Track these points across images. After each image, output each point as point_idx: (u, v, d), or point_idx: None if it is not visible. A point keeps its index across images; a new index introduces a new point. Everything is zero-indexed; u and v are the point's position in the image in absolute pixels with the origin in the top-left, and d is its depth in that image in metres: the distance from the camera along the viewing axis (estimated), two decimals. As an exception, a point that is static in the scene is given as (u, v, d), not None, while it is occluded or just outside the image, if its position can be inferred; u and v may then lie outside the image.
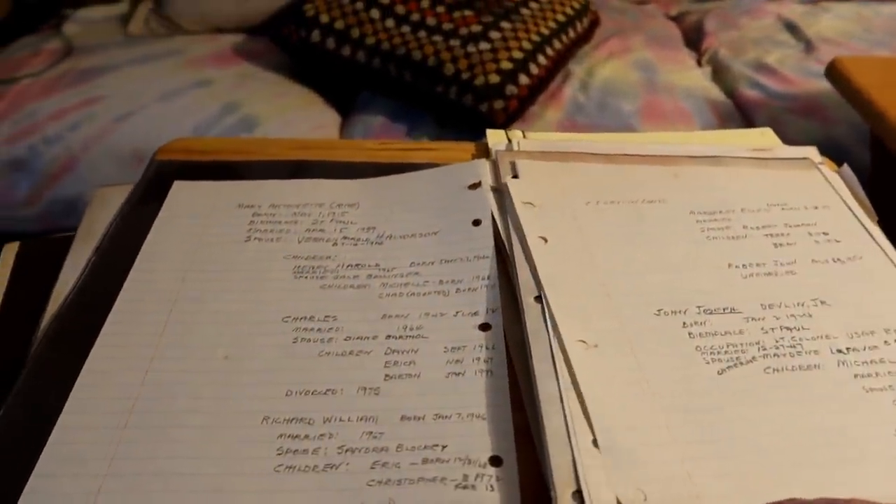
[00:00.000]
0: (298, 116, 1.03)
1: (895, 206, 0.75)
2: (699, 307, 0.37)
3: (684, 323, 0.37)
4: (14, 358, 0.38)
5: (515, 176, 0.47)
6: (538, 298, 0.37)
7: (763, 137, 0.55)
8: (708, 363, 0.34)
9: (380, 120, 1.03)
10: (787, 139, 1.01)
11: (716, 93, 1.11)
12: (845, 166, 0.51)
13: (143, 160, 1.03)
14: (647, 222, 0.44)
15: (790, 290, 0.39)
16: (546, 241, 0.41)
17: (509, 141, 0.52)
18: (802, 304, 0.38)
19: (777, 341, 0.36)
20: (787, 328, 0.37)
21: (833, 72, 0.70)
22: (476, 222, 0.43)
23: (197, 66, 1.11)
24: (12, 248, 0.45)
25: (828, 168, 0.51)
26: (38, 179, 1.02)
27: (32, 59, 1.14)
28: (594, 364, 0.34)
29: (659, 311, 0.37)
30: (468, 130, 0.98)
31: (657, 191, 0.47)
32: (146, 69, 1.10)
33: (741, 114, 1.08)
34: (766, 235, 0.43)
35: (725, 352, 0.35)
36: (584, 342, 0.35)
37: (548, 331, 0.35)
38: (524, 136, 0.53)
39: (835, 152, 0.97)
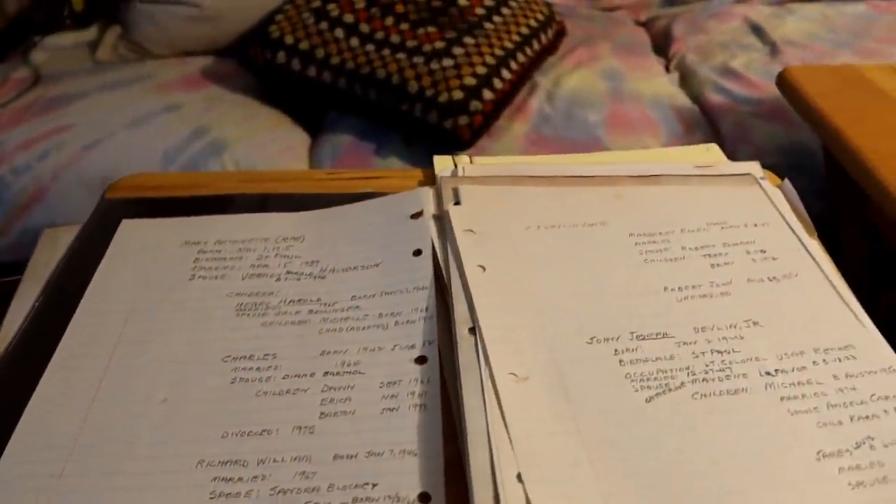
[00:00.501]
0: (268, 138, 1.04)
1: (848, 211, 0.75)
2: (632, 333, 0.38)
3: (616, 350, 0.37)
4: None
5: (458, 202, 0.47)
6: (472, 330, 0.38)
7: (708, 153, 0.56)
8: (637, 391, 0.35)
9: (348, 139, 1.04)
10: (753, 144, 1.02)
11: (682, 99, 1.12)
12: (786, 181, 0.51)
13: (112, 187, 1.03)
14: (586, 246, 0.45)
15: (724, 311, 0.40)
16: (484, 269, 0.42)
17: (455, 167, 0.52)
18: (735, 326, 0.39)
19: (707, 365, 0.36)
20: (718, 351, 0.37)
21: (782, 82, 0.70)
22: (417, 252, 0.44)
23: (166, 91, 1.11)
24: (-41, 294, 0.45)
25: (769, 183, 0.51)
26: (7, 210, 1.02)
27: (0, 88, 1.14)
28: (523, 397, 0.34)
29: (592, 339, 0.38)
30: (436, 147, 0.99)
31: (599, 213, 0.47)
32: (115, 95, 1.10)
33: (707, 119, 1.08)
34: (704, 256, 0.44)
35: (655, 378, 0.36)
36: (514, 375, 0.35)
37: (479, 364, 0.36)
38: (471, 162, 0.53)
39: (799, 156, 0.99)
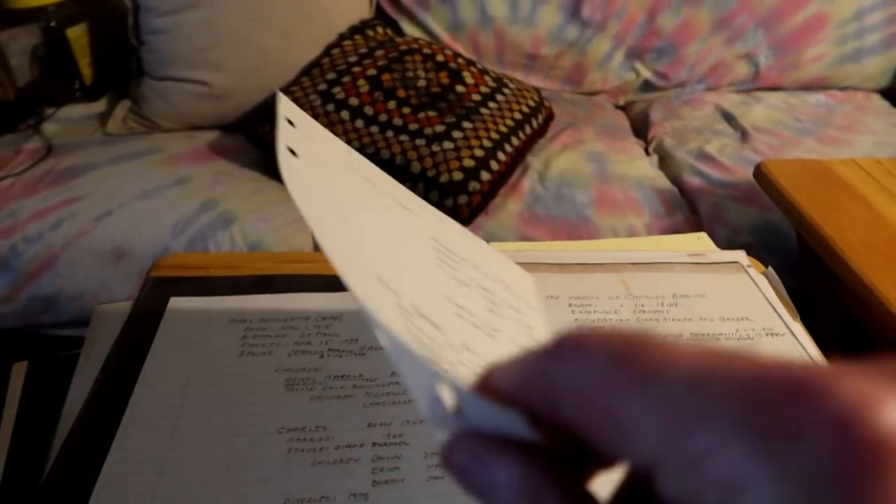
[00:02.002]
0: (274, 212, 1.09)
1: (820, 289, 0.82)
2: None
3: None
4: (29, 474, 0.41)
5: (481, 287, 0.52)
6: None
7: (699, 242, 0.62)
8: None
9: (351, 213, 1.09)
10: (728, 224, 1.10)
11: (662, 181, 1.20)
12: (769, 269, 0.58)
13: (123, 256, 1.07)
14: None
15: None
16: (511, 350, 0.47)
17: (475, 251, 0.58)
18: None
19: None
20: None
21: (759, 174, 0.78)
22: (448, 333, 0.49)
23: (175, 164, 1.16)
24: (21, 368, 0.49)
25: (755, 270, 0.58)
26: (17, 277, 1.05)
27: (12, 158, 1.18)
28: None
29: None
30: (435, 223, 1.05)
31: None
32: (125, 168, 1.15)
33: (686, 200, 1.16)
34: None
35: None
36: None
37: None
38: (488, 247, 0.59)
39: (772, 236, 1.07)
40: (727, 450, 0.12)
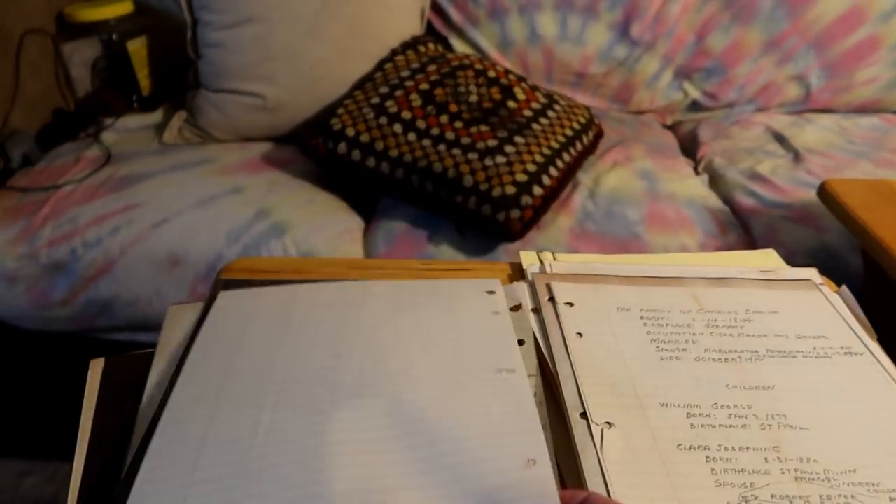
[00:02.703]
0: (326, 222, 1.10)
1: (887, 309, 0.80)
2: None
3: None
4: (111, 469, 0.42)
5: (551, 297, 0.52)
6: (583, 415, 0.42)
7: (767, 258, 0.61)
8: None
9: (401, 226, 1.10)
10: (784, 245, 1.08)
11: (714, 200, 1.19)
12: (844, 288, 0.56)
13: (177, 263, 1.09)
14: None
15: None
16: (589, 362, 0.46)
17: (541, 262, 0.58)
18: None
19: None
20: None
21: (824, 193, 0.77)
22: (521, 342, 0.49)
23: (229, 174, 1.19)
24: (98, 364, 0.50)
25: (828, 288, 0.56)
26: (75, 281, 1.08)
27: (73, 166, 1.22)
28: (633, 474, 0.38)
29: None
30: (486, 237, 1.05)
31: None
32: (181, 176, 1.17)
33: (739, 221, 1.15)
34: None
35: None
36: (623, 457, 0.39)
37: (594, 446, 0.40)
38: (554, 258, 0.59)
39: (828, 258, 1.05)
40: None
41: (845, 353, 0.49)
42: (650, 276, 0.56)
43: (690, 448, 0.41)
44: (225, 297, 0.54)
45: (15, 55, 1.28)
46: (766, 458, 0.40)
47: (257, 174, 1.20)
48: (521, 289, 0.54)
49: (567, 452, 0.40)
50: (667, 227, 1.09)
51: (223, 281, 0.58)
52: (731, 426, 0.42)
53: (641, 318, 0.51)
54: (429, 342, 0.47)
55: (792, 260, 1.06)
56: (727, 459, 0.40)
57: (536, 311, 0.51)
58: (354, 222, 1.14)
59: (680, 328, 0.51)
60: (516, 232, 1.01)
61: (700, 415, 0.43)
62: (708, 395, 0.44)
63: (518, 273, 0.58)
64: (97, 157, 1.23)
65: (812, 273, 0.58)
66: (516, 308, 0.51)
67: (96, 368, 0.50)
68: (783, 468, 0.40)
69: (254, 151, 1.27)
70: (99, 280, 1.07)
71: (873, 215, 0.69)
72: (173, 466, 0.39)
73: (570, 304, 0.51)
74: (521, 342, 0.48)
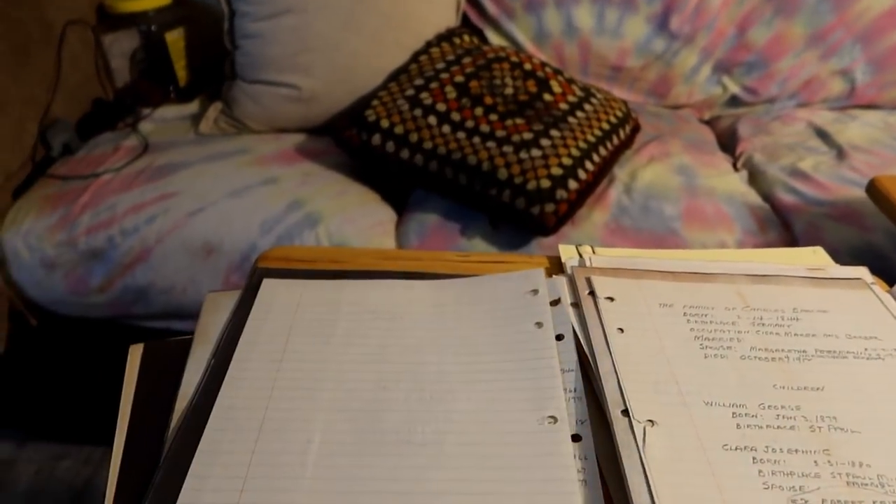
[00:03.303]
0: (358, 213, 1.10)
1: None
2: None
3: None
4: (149, 453, 0.42)
5: (591, 292, 0.51)
6: (625, 412, 0.41)
7: (815, 256, 0.59)
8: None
9: (434, 218, 1.09)
10: (826, 244, 1.05)
11: (753, 197, 1.16)
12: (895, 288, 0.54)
13: (212, 252, 1.10)
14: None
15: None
16: (631, 358, 0.45)
17: (580, 256, 0.57)
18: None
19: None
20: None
21: (873, 189, 0.74)
22: (559, 337, 0.48)
23: (264, 164, 1.19)
24: (137, 350, 0.50)
25: (880, 288, 0.54)
26: (112, 268, 1.09)
27: (111, 155, 1.23)
28: (677, 474, 0.37)
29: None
30: (520, 231, 1.04)
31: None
32: (217, 166, 1.18)
33: (779, 218, 1.12)
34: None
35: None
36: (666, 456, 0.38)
37: (636, 444, 0.39)
38: (594, 252, 0.57)
39: (872, 258, 1.02)
40: None
41: (899, 355, 0.47)
42: (693, 272, 0.54)
43: (736, 449, 0.39)
44: (269, 286, 0.54)
45: (57, 46, 1.30)
46: (815, 462, 0.39)
47: (291, 165, 1.20)
48: (560, 282, 0.53)
49: (608, 455, 0.40)
50: (704, 223, 1.07)
51: (262, 269, 0.58)
52: (778, 427, 0.41)
53: (684, 314, 0.50)
54: (472, 371, 0.46)
55: (836, 259, 1.03)
56: (775, 461, 0.39)
57: (576, 305, 0.50)
58: (387, 214, 1.14)
59: (724, 325, 0.49)
60: (550, 226, 1.00)
61: (746, 415, 0.42)
62: (754, 395, 0.43)
63: (556, 267, 0.57)
64: (135, 146, 1.25)
65: (863, 272, 0.56)
66: (555, 302, 0.51)
67: (135, 353, 0.50)
68: (834, 472, 0.38)
69: (288, 142, 1.27)
70: (135, 267, 1.09)
71: (926, 213, 0.66)
72: (222, 481, 0.39)
73: (611, 299, 0.50)
74: (559, 337, 0.47)
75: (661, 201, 1.10)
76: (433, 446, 0.40)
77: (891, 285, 0.56)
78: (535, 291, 0.51)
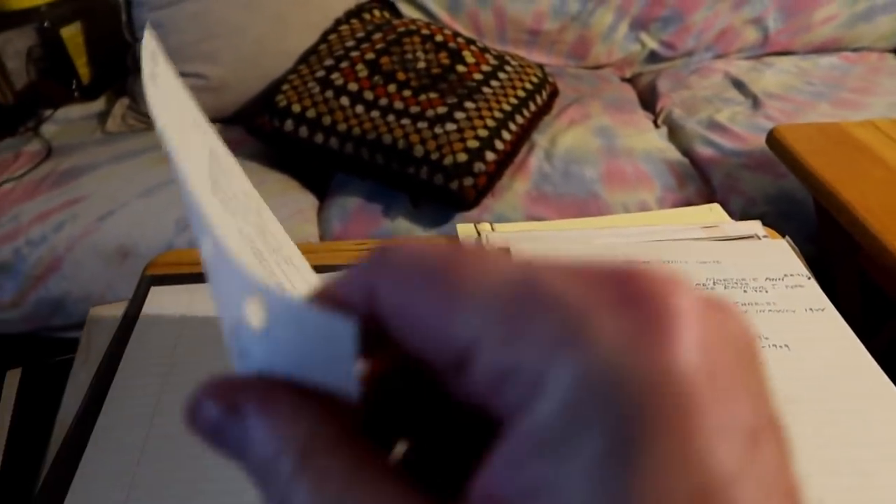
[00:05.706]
0: (277, 203, 1.07)
1: (839, 255, 0.80)
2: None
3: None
4: (24, 483, 0.40)
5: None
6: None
7: (711, 213, 0.60)
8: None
9: (356, 202, 1.07)
10: (744, 194, 1.07)
11: (673, 153, 1.17)
12: (787, 238, 0.55)
13: (127, 255, 1.06)
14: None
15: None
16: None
17: (478, 234, 0.56)
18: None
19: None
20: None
21: (773, 141, 0.75)
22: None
23: (175, 160, 1.15)
24: (15, 375, 0.48)
25: (771, 240, 0.55)
26: (22, 281, 1.04)
27: (13, 162, 1.17)
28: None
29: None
30: (442, 207, 1.03)
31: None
32: (126, 166, 1.14)
33: (698, 172, 1.13)
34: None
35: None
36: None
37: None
38: (492, 229, 0.57)
39: (788, 204, 1.04)
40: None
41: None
42: (592, 241, 0.54)
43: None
44: (156, 294, 0.52)
45: (-58, 50, 1.22)
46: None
47: (205, 158, 1.16)
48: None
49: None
50: (625, 184, 1.08)
51: (149, 277, 0.56)
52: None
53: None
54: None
55: (752, 208, 1.05)
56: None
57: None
58: (308, 201, 1.11)
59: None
60: (471, 200, 0.99)
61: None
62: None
63: (455, 247, 0.56)
64: (37, 151, 1.19)
65: (755, 226, 0.56)
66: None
67: (12, 379, 0.47)
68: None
69: (200, 135, 1.23)
70: (48, 278, 1.04)
71: (821, 160, 0.67)
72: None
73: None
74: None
75: (582, 165, 1.10)
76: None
77: (783, 235, 0.57)
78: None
